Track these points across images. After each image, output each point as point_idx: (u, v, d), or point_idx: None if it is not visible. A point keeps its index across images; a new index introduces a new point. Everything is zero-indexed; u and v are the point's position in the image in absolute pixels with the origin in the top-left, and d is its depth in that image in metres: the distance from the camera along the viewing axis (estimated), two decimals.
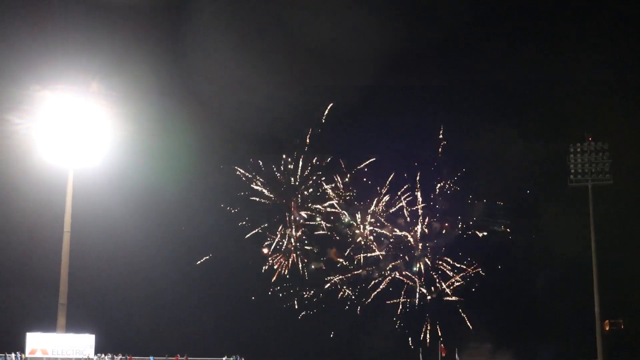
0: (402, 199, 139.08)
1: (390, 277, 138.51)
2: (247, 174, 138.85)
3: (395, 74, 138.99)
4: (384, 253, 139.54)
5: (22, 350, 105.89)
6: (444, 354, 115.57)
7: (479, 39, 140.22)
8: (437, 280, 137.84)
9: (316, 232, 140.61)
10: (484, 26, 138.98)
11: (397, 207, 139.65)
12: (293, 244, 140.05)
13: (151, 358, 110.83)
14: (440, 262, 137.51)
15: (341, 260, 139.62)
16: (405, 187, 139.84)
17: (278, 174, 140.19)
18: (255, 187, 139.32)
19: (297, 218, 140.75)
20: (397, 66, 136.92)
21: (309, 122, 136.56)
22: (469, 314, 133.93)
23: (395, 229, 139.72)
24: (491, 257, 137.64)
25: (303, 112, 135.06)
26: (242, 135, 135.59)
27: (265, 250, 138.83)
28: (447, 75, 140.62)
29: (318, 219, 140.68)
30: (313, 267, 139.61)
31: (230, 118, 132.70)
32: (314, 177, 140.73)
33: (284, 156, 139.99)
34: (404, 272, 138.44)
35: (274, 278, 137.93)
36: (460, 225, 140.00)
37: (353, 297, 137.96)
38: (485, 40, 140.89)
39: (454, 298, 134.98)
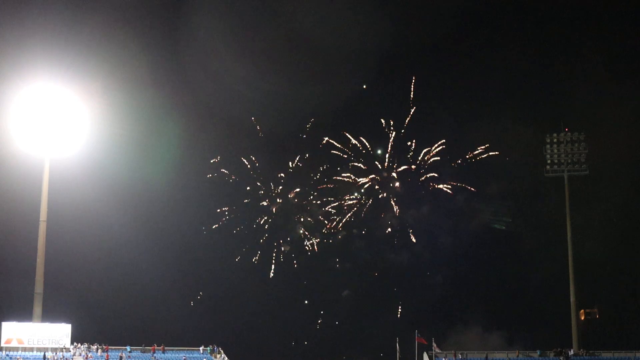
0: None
1: None
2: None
3: (387, 69, 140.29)
4: None
5: None
6: (424, 344, 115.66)
7: (459, 34, 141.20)
8: None
9: None
10: (465, 22, 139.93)
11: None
12: None
13: (128, 348, 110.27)
14: None
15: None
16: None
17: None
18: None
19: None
20: (387, 63, 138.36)
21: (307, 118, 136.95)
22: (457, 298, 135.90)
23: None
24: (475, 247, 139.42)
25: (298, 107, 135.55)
26: (227, 129, 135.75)
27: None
28: (428, 71, 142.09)
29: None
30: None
31: (215, 110, 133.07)
32: None
33: None
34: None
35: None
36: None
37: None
38: (465, 35, 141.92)
39: None
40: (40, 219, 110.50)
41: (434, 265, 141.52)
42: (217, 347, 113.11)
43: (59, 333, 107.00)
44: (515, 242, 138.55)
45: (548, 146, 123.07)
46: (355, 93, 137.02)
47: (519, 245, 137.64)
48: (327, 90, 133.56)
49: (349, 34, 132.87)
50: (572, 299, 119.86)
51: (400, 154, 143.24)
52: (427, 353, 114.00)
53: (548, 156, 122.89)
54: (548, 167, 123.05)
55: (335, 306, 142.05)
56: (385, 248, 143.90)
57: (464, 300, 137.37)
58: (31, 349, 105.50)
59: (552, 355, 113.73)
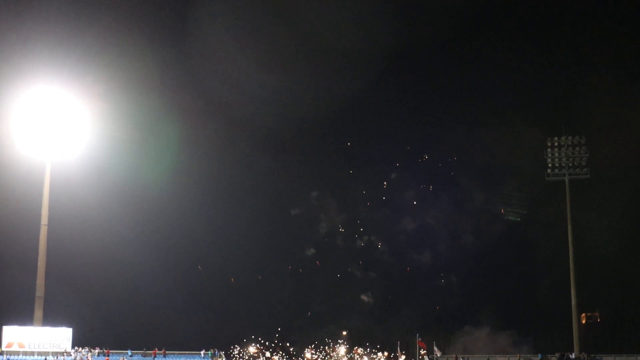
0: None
1: None
2: None
3: (388, 72, 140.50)
4: None
5: None
6: (424, 348, 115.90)
7: (460, 39, 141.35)
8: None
9: None
10: (466, 27, 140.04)
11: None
12: None
13: (129, 352, 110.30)
14: None
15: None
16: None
17: None
18: None
19: None
20: (389, 65, 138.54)
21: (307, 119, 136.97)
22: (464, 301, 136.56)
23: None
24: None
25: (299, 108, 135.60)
26: (229, 131, 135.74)
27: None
28: (429, 75, 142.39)
29: None
30: None
31: (217, 113, 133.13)
32: None
33: None
34: None
35: None
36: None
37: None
38: (466, 40, 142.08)
39: None
40: (42, 223, 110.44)
41: (442, 269, 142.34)
42: (218, 351, 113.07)
43: (60, 337, 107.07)
44: (520, 246, 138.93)
45: (549, 150, 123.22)
46: (360, 95, 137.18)
47: (523, 249, 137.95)
48: (332, 93, 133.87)
49: (354, 35, 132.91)
50: (573, 302, 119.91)
51: (408, 161, 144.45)
52: (429, 357, 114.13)
53: (549, 160, 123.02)
54: (549, 170, 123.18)
55: (346, 311, 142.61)
56: (398, 252, 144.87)
57: (470, 303, 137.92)
58: (32, 353, 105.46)
59: (553, 359, 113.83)
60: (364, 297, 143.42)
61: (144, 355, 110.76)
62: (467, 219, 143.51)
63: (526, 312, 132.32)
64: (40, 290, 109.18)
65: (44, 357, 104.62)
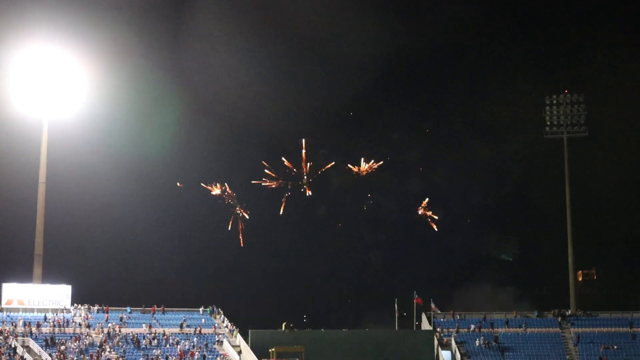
0: None
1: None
2: None
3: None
4: None
5: None
6: (420, 304, 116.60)
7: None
8: None
9: None
10: None
11: None
12: None
13: (128, 309, 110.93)
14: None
15: None
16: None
17: None
18: None
19: None
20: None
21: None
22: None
23: None
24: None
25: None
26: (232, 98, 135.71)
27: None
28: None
29: None
30: None
31: (216, 74, 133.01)
32: None
33: None
34: None
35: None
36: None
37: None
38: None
39: None
40: (40, 181, 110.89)
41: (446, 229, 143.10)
42: (217, 308, 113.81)
43: (60, 294, 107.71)
44: (518, 203, 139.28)
45: (547, 108, 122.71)
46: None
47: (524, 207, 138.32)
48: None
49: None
50: (570, 260, 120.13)
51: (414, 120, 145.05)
52: (425, 314, 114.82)
53: (547, 118, 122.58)
54: (547, 128, 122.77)
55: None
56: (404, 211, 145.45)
57: (472, 261, 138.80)
58: (32, 310, 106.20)
59: (549, 316, 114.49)
60: (370, 256, 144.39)
61: (143, 312, 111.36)
62: (470, 178, 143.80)
63: (526, 269, 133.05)
64: (39, 248, 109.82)
65: (43, 314, 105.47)
